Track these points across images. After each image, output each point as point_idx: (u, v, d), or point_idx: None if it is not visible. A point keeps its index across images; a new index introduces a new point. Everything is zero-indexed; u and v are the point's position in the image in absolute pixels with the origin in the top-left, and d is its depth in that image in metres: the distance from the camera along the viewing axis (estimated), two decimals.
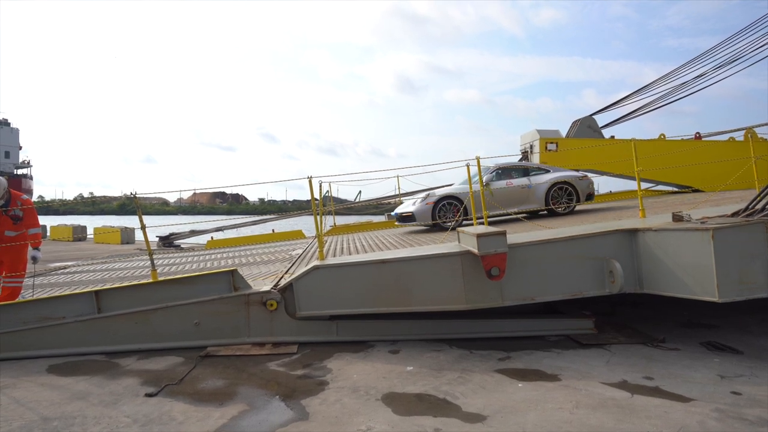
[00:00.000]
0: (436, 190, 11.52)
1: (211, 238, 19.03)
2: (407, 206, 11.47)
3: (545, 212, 11.29)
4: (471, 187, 8.18)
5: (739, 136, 17.58)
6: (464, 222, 10.69)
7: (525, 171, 11.58)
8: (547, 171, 11.53)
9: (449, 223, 10.47)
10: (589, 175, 12.90)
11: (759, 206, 5.50)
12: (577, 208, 11.65)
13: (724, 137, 18.12)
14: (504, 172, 11.46)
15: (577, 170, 12.38)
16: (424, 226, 11.08)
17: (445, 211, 10.76)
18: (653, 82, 19.50)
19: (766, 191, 5.68)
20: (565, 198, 11.15)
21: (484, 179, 10.93)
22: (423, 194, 11.51)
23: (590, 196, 11.43)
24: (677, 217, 5.72)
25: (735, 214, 5.56)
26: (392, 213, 13.60)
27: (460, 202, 10.71)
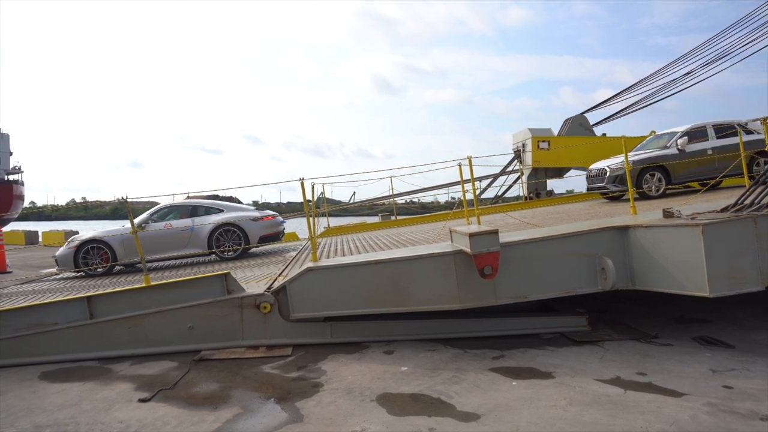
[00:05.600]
0: (81, 234, 10.97)
1: None
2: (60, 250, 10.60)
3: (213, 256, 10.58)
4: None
5: None
6: (117, 267, 10.19)
7: (193, 211, 10.87)
8: (220, 211, 10.81)
9: (100, 269, 10.07)
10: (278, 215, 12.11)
11: (748, 201, 5.56)
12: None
13: None
14: (167, 212, 10.82)
15: (268, 212, 11.58)
16: (72, 272, 10.41)
17: (93, 256, 10.21)
18: (643, 79, 19.63)
19: (754, 186, 5.73)
20: (230, 242, 10.49)
21: (136, 221, 10.39)
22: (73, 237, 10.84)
23: (272, 238, 10.73)
24: (668, 214, 5.76)
25: (725, 210, 5.61)
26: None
27: (108, 246, 10.20)
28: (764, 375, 4.62)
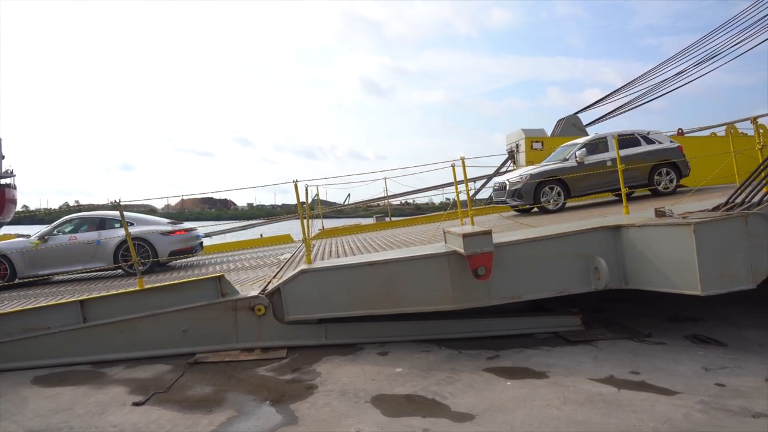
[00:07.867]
0: None
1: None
2: None
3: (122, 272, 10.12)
4: None
5: (721, 131, 17.82)
6: (18, 281, 9.78)
7: (101, 223, 10.35)
8: (130, 224, 9.78)
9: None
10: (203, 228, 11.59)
11: (739, 200, 5.60)
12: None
13: (706, 133, 18.35)
14: (79, 223, 10.39)
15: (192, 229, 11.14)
16: None
17: None
18: (635, 79, 19.75)
19: (745, 185, 5.77)
20: (138, 256, 9.67)
21: (41, 232, 10.24)
22: None
23: (185, 252, 10.43)
24: (660, 213, 5.79)
25: (716, 209, 5.65)
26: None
27: (6, 259, 9.82)
28: (756, 372, 4.65)
